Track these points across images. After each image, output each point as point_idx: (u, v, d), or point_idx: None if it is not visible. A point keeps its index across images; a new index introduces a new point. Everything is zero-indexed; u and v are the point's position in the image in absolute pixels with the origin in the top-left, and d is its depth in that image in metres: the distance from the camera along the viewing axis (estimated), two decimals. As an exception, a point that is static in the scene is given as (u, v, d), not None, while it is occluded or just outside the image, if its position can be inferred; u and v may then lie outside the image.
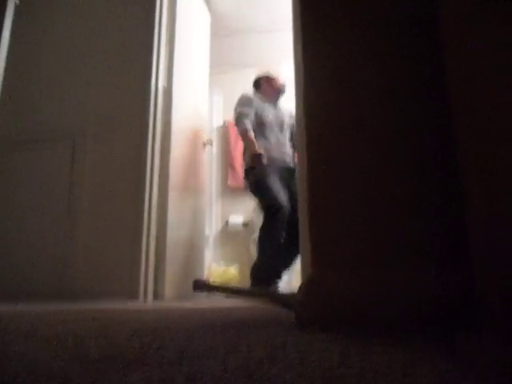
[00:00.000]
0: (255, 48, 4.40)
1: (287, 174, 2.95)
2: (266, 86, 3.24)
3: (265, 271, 2.68)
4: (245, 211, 4.55)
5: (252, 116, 3.00)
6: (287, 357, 0.52)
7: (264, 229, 2.77)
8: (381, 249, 0.84)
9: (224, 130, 4.93)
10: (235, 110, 3.05)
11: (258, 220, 4.17)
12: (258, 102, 3.10)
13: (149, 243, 2.39)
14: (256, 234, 3.96)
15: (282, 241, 2.71)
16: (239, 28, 4.31)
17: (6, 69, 2.19)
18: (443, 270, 0.81)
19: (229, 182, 4.69)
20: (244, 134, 2.94)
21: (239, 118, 2.97)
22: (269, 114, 3.09)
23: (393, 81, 0.95)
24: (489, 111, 0.69)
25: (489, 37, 0.70)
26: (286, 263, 2.84)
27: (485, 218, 0.68)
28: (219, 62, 4.39)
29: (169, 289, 2.47)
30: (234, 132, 4.77)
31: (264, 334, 0.72)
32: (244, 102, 3.07)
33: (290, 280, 3.37)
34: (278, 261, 2.74)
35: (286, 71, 3.50)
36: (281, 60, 3.41)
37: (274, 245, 2.70)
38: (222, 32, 4.24)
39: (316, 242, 0.87)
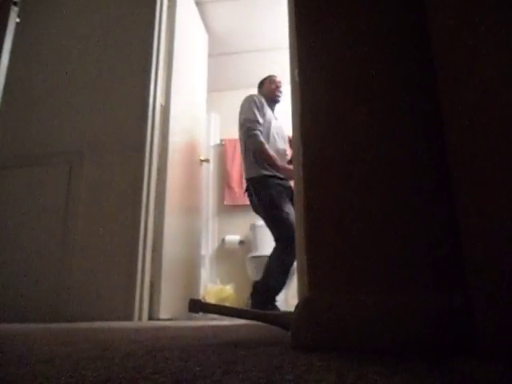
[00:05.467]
0: (253, 68, 4.46)
1: (289, 188, 2.88)
2: (268, 84, 3.17)
3: (267, 295, 2.63)
4: (241, 229, 4.55)
5: (261, 123, 2.86)
6: (284, 378, 0.52)
7: (279, 259, 2.65)
8: (378, 272, 0.84)
9: (221, 149, 4.96)
10: (244, 117, 2.89)
11: (255, 238, 4.17)
12: (264, 103, 2.98)
13: (144, 264, 2.38)
14: (253, 253, 3.97)
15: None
16: (237, 48, 4.37)
17: (4, 89, 2.20)
18: (442, 294, 0.81)
19: (225, 201, 4.70)
20: (262, 151, 2.80)
21: (252, 129, 2.82)
22: (272, 119, 2.99)
23: (390, 104, 0.96)
24: (480, 125, 0.70)
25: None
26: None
27: (479, 241, 0.69)
28: (217, 82, 4.45)
29: (164, 309, 2.45)
30: (230, 151, 4.80)
31: (260, 354, 0.72)
32: (255, 105, 2.89)
33: (287, 299, 3.35)
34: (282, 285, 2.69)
35: (284, 91, 3.54)
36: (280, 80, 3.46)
37: (284, 275, 2.64)
38: (219, 51, 4.30)
39: (313, 265, 0.87)
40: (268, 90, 3.15)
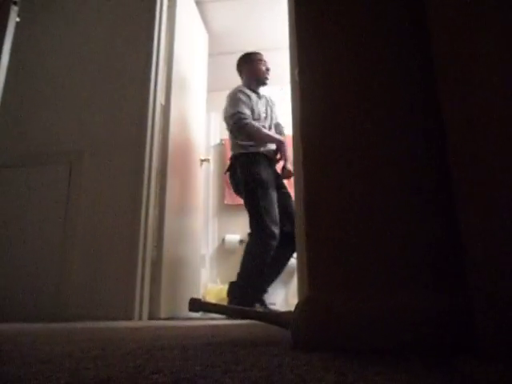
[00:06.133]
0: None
1: (276, 174, 2.86)
2: (257, 64, 3.04)
3: (247, 291, 2.59)
4: (241, 229, 4.54)
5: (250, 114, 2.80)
6: (283, 377, 0.52)
7: (254, 252, 2.61)
8: (378, 272, 0.84)
9: (221, 148, 4.96)
10: (231, 113, 2.82)
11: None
12: (250, 94, 2.91)
13: (144, 264, 2.37)
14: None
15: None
16: (237, 47, 4.36)
17: (4, 89, 2.20)
18: (442, 294, 0.81)
19: (225, 201, 4.69)
20: (259, 136, 2.76)
21: (240, 121, 2.75)
22: (260, 107, 2.93)
23: (390, 103, 0.96)
24: (480, 125, 0.70)
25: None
26: (272, 279, 2.74)
27: (479, 241, 0.69)
28: (217, 81, 4.44)
29: (164, 309, 2.45)
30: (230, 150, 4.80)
31: (260, 353, 0.72)
32: (239, 100, 2.83)
33: (287, 298, 3.35)
34: (263, 280, 2.65)
35: (283, 90, 3.54)
36: (279, 79, 3.46)
37: (261, 269, 2.60)
38: (219, 51, 4.29)
39: (313, 265, 0.87)
40: (257, 71, 3.03)
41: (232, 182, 2.86)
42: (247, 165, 2.72)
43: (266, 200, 2.61)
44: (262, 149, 2.78)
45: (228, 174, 2.91)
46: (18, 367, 0.62)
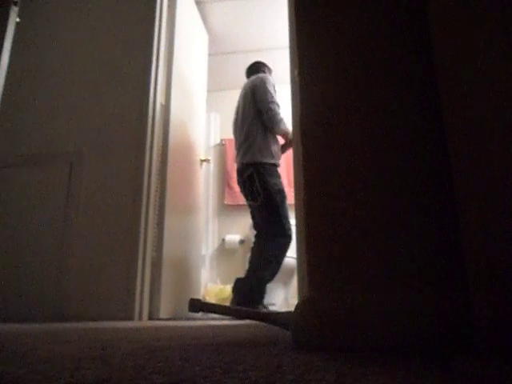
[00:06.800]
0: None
1: None
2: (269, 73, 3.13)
3: (259, 290, 2.61)
4: (241, 229, 4.55)
5: None
6: (283, 377, 0.52)
7: (274, 254, 2.65)
8: (378, 273, 0.84)
9: (221, 149, 4.96)
10: (269, 99, 2.81)
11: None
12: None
13: (144, 263, 2.37)
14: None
15: None
16: (237, 47, 4.37)
17: (4, 89, 2.20)
18: (440, 292, 0.81)
19: (225, 201, 4.69)
20: (287, 134, 2.85)
21: (277, 114, 2.80)
22: None
23: (390, 103, 0.96)
24: (479, 128, 0.70)
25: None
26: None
27: (479, 242, 0.69)
28: (217, 81, 4.45)
29: (164, 309, 2.45)
30: (231, 151, 4.80)
31: (260, 354, 0.72)
32: (272, 88, 2.87)
33: (287, 298, 3.35)
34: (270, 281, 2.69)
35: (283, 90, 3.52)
36: (279, 79, 3.46)
37: (276, 271, 2.65)
38: (219, 51, 4.29)
39: (313, 265, 0.87)
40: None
41: (247, 190, 2.83)
42: (266, 176, 2.75)
43: (284, 207, 2.72)
44: (278, 162, 2.86)
45: (241, 180, 2.88)
46: (18, 367, 0.62)
